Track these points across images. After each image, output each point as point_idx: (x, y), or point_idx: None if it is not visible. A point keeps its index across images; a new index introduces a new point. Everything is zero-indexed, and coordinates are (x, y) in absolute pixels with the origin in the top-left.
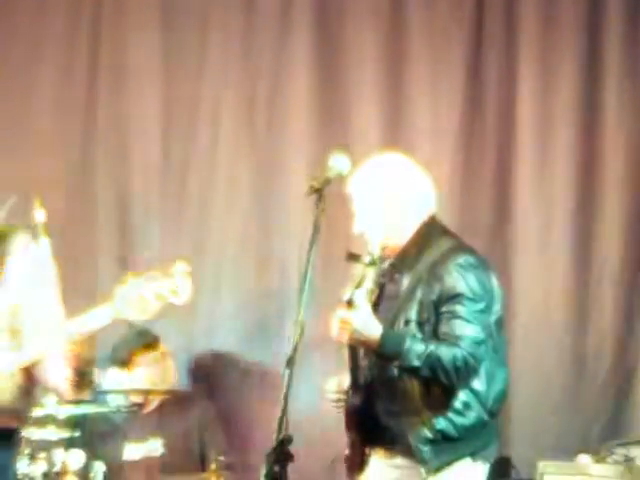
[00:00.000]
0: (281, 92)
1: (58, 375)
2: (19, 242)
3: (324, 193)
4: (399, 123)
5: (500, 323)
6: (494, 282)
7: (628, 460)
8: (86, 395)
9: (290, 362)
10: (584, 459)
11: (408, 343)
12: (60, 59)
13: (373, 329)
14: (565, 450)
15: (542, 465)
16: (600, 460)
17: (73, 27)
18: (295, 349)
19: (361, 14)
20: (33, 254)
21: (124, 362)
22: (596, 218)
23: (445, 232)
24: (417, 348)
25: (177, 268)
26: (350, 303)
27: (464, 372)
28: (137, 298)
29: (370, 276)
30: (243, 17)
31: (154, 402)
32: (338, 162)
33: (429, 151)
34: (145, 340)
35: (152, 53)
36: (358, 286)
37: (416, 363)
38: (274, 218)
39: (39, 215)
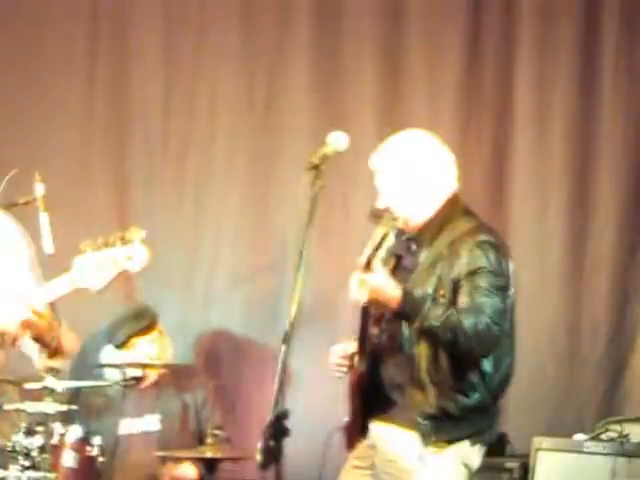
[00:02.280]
0: (280, 71)
1: (30, 344)
2: None
3: (322, 169)
4: (396, 107)
5: (512, 309)
6: (511, 267)
7: (622, 437)
8: (60, 363)
9: (287, 338)
10: (579, 437)
11: (429, 304)
12: (61, 41)
13: (392, 289)
14: (560, 428)
15: (537, 441)
16: (594, 437)
17: (73, 12)
18: (292, 325)
19: None
20: (8, 231)
21: (121, 344)
22: (591, 203)
23: (467, 212)
24: (437, 311)
25: (133, 234)
26: (368, 264)
27: (487, 339)
28: (94, 265)
29: (390, 236)
30: (242, 4)
31: (152, 377)
32: (336, 139)
33: (425, 123)
34: (144, 323)
35: (152, 38)
36: (378, 246)
37: (435, 323)
38: (272, 193)
39: (39, 188)
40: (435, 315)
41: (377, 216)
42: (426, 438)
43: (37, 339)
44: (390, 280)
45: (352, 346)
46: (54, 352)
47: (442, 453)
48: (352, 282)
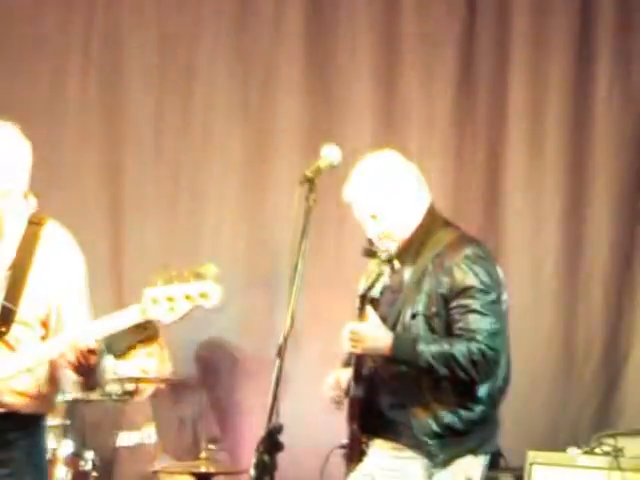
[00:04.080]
0: (273, 87)
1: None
2: (51, 232)
3: (316, 183)
4: (391, 116)
5: (507, 312)
6: (499, 271)
7: (616, 451)
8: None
9: (280, 352)
10: (573, 451)
11: (421, 346)
12: (54, 55)
13: (384, 337)
14: (555, 442)
15: (531, 455)
16: (589, 451)
17: (66, 26)
18: (286, 339)
19: (355, 4)
20: (67, 245)
21: (122, 354)
22: (585, 217)
23: (447, 223)
24: (430, 349)
25: (208, 271)
26: (363, 301)
27: (484, 365)
28: (166, 299)
29: (386, 272)
30: (236, 8)
31: (148, 390)
32: (330, 152)
33: (421, 144)
34: (145, 334)
35: (146, 46)
36: (374, 282)
37: (431, 363)
38: (265, 207)
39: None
40: (430, 353)
41: (371, 254)
42: (434, 457)
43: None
44: (382, 327)
45: (344, 373)
46: (91, 384)
47: (447, 469)
48: (344, 333)
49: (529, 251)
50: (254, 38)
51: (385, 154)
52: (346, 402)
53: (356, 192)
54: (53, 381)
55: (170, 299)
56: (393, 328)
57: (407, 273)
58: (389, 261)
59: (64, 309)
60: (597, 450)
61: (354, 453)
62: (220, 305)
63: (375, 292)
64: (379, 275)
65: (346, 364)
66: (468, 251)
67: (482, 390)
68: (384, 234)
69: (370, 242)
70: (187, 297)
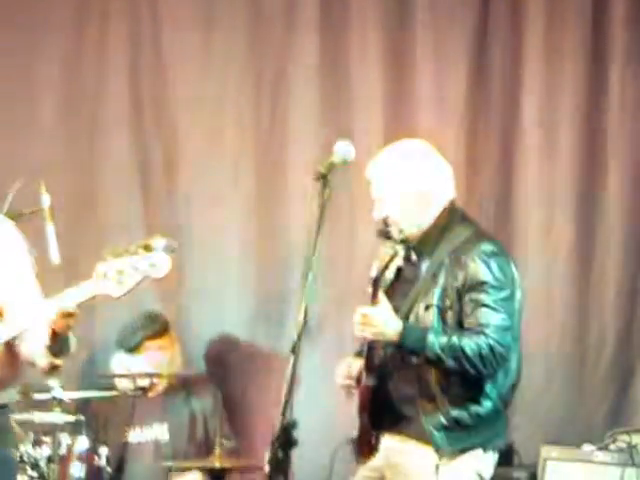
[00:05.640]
0: (286, 86)
1: (35, 345)
2: None
3: (329, 178)
4: (403, 115)
5: (521, 310)
6: (514, 269)
7: (631, 447)
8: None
9: (295, 347)
10: (587, 447)
11: (430, 337)
12: (66, 41)
13: (394, 324)
14: (569, 438)
15: (545, 450)
16: (603, 447)
17: (80, 17)
18: (300, 334)
19: None
20: (6, 237)
21: (134, 348)
22: (598, 210)
23: (465, 218)
24: (439, 340)
25: (156, 242)
26: (376, 285)
27: (491, 360)
28: (115, 272)
29: (401, 253)
30: (249, 7)
31: (160, 387)
32: (343, 148)
33: (433, 128)
34: (157, 327)
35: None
36: (388, 263)
37: (439, 355)
38: (279, 202)
39: (45, 199)
40: (438, 346)
41: (386, 235)
42: (440, 450)
43: (54, 338)
44: (393, 314)
45: (356, 363)
46: (61, 350)
47: (456, 464)
48: (355, 317)
49: (542, 245)
50: (266, 41)
51: (416, 142)
52: (357, 392)
53: (379, 173)
54: (8, 365)
55: (120, 272)
56: (406, 319)
57: (423, 266)
58: (403, 242)
59: (15, 300)
60: (611, 446)
61: (363, 445)
62: (236, 296)
63: (389, 274)
64: (393, 256)
65: (358, 354)
66: (484, 247)
67: (491, 386)
68: (391, 220)
69: (385, 223)
70: (136, 269)
